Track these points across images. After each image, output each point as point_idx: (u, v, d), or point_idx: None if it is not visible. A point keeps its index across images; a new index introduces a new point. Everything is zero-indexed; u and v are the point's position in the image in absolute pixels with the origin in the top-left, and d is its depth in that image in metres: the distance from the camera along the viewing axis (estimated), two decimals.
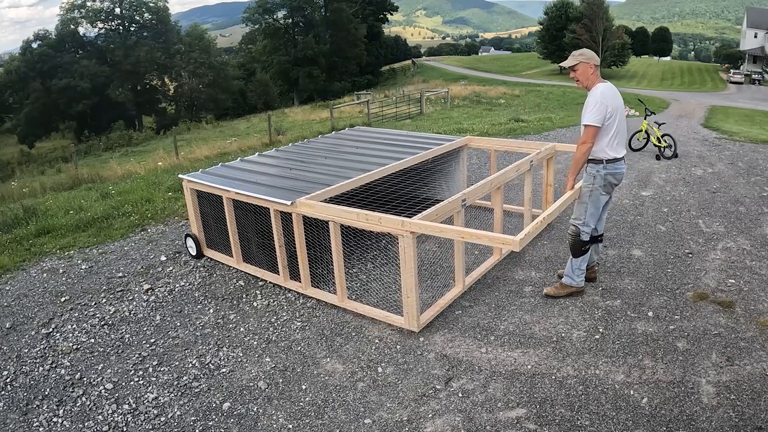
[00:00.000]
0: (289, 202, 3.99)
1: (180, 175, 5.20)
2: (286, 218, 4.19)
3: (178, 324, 4.07)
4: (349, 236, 4.17)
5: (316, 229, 4.19)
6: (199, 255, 5.13)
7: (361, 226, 3.75)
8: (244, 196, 4.35)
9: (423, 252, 5.02)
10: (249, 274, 4.72)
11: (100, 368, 3.58)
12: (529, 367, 3.34)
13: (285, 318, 4.07)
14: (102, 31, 51.24)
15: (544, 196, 5.54)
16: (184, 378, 3.44)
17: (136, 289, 4.62)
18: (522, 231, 3.33)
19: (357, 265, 4.81)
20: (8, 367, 3.63)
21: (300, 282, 4.32)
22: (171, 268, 4.99)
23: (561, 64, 4.05)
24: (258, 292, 4.47)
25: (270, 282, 4.56)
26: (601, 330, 3.68)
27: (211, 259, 5.09)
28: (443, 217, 3.74)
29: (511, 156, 6.70)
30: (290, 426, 2.99)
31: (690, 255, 4.79)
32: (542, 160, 5.30)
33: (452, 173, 6.07)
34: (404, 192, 5.27)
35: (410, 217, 3.62)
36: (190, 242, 5.17)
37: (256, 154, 5.85)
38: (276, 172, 5.00)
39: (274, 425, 3.00)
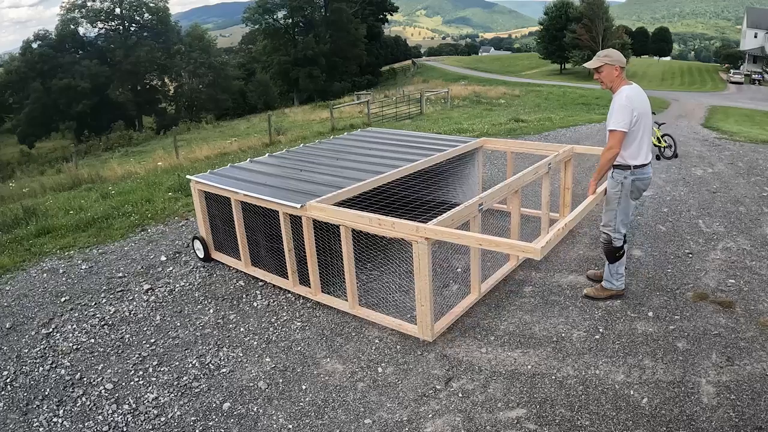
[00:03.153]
0: (298, 205, 3.89)
1: (188, 176, 5.08)
2: (295, 222, 4.09)
3: (178, 324, 4.07)
4: (360, 240, 4.04)
5: (325, 233, 4.08)
6: (207, 258, 5.01)
7: (374, 231, 3.63)
8: (253, 198, 4.24)
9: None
10: (254, 276, 4.65)
11: (100, 368, 3.58)
12: (529, 367, 3.34)
13: (285, 318, 4.06)
14: (102, 31, 51.26)
15: (562, 200, 5.40)
16: (184, 378, 3.44)
17: (136, 289, 4.62)
18: (543, 238, 3.10)
19: (367, 271, 4.77)
20: (8, 367, 3.63)
21: (309, 287, 4.22)
22: (171, 268, 4.99)
23: (585, 65, 3.89)
24: (258, 292, 4.46)
25: (277, 286, 4.47)
26: (601, 330, 3.68)
27: (219, 262, 5.00)
28: (459, 222, 3.59)
29: (527, 158, 6.46)
30: (290, 426, 2.99)
31: (690, 255, 4.79)
32: (560, 162, 5.13)
33: (467, 176, 5.90)
34: (418, 195, 5.10)
35: (425, 221, 3.47)
36: (197, 245, 5.07)
37: (267, 155, 5.70)
38: (286, 174, 4.88)
39: (274, 425, 3.00)
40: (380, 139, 6.27)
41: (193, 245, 5.21)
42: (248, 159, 5.56)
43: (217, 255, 5.01)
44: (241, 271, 4.76)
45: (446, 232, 3.33)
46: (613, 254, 3.91)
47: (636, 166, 3.71)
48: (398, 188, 4.89)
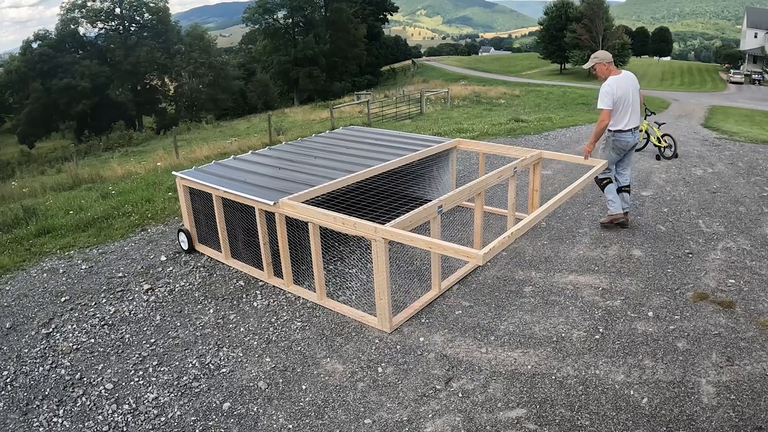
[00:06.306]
0: (272, 203, 4.10)
1: (174, 172, 5.33)
2: (270, 217, 4.28)
3: (178, 324, 4.07)
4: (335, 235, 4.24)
5: (299, 228, 4.29)
6: (191, 249, 5.27)
7: (338, 229, 3.85)
8: (232, 195, 4.47)
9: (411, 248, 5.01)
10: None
11: (100, 368, 3.58)
12: (529, 367, 3.34)
13: (285, 318, 4.07)
14: (102, 31, 51.19)
15: (530, 202, 5.58)
16: (184, 378, 3.44)
17: (136, 289, 4.62)
18: (487, 245, 3.28)
19: (339, 264, 4.82)
20: (8, 367, 3.63)
21: (283, 279, 4.44)
22: (171, 268, 4.99)
23: (583, 66, 5.61)
24: (258, 292, 4.47)
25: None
26: (601, 330, 3.68)
27: (202, 253, 5.22)
28: (418, 223, 3.76)
29: (504, 159, 6.66)
30: (290, 426, 2.99)
31: (690, 255, 4.79)
32: (528, 166, 5.37)
33: (441, 175, 6.13)
34: (394, 191, 5.34)
35: (399, 215, 3.63)
36: (182, 237, 5.30)
37: (250, 152, 5.91)
38: (266, 172, 5.09)
39: (274, 425, 3.00)
40: (361, 138, 6.41)
41: (178, 237, 5.43)
42: (231, 156, 5.80)
43: (200, 247, 5.26)
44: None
45: (401, 234, 3.49)
46: (598, 182, 5.34)
47: (615, 131, 5.09)
48: (374, 186, 5.14)
